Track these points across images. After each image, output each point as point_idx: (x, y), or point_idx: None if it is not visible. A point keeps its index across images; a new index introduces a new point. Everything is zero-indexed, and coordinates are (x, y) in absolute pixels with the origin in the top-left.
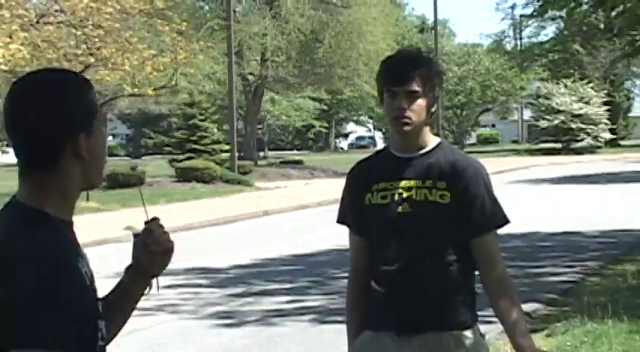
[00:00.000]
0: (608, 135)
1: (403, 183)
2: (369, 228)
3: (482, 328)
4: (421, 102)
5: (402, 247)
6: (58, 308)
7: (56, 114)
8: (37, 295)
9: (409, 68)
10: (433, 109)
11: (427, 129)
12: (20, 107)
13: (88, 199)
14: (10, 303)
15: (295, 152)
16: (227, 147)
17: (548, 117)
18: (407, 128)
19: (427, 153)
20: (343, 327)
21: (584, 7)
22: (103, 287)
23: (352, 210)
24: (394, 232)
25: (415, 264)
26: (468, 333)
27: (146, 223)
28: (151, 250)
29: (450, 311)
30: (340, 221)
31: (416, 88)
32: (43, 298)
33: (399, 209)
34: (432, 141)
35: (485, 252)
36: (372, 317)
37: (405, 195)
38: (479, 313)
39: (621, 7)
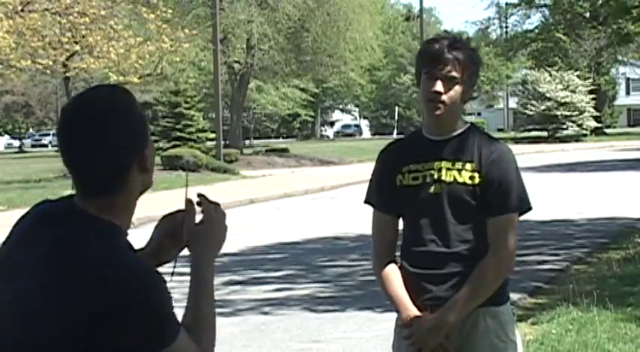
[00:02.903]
0: (593, 124)
1: (434, 165)
2: (395, 207)
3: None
4: (457, 88)
5: (435, 227)
6: (170, 307)
7: (127, 136)
8: (154, 301)
9: (451, 53)
10: (467, 96)
11: (459, 113)
12: (88, 134)
13: (73, 188)
14: (134, 311)
15: (281, 140)
16: (213, 135)
17: (534, 103)
18: (439, 112)
19: (458, 135)
20: (330, 315)
21: None
22: None
23: (379, 190)
24: (426, 213)
25: (448, 245)
26: (501, 309)
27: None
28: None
29: None
30: (366, 201)
31: (454, 73)
32: (158, 302)
33: (431, 190)
34: (462, 124)
35: (494, 234)
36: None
37: (435, 176)
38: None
39: None
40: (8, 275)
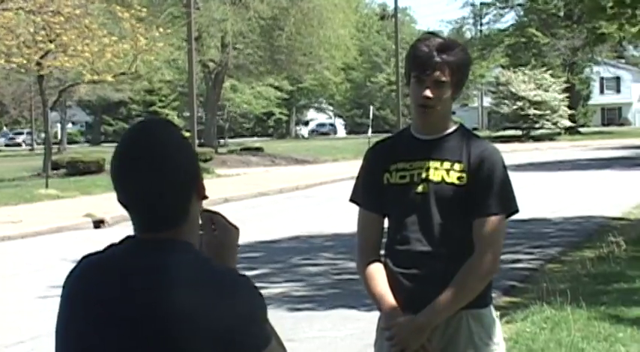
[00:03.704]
0: (567, 123)
1: (422, 164)
2: (381, 206)
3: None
4: (447, 91)
5: (421, 227)
6: (265, 310)
7: (189, 172)
8: (262, 305)
9: (440, 57)
10: (457, 95)
11: (449, 113)
12: (157, 177)
13: (47, 187)
14: (248, 317)
15: (256, 139)
16: (187, 134)
17: (507, 102)
18: (431, 118)
19: (447, 135)
20: (304, 314)
21: None
22: (55, 273)
23: (365, 188)
24: (413, 212)
25: (434, 244)
26: (485, 312)
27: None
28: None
29: None
30: (352, 199)
31: (443, 78)
32: (264, 305)
33: (418, 189)
34: (452, 124)
35: (481, 235)
36: None
37: (423, 175)
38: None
39: None
40: (97, 318)
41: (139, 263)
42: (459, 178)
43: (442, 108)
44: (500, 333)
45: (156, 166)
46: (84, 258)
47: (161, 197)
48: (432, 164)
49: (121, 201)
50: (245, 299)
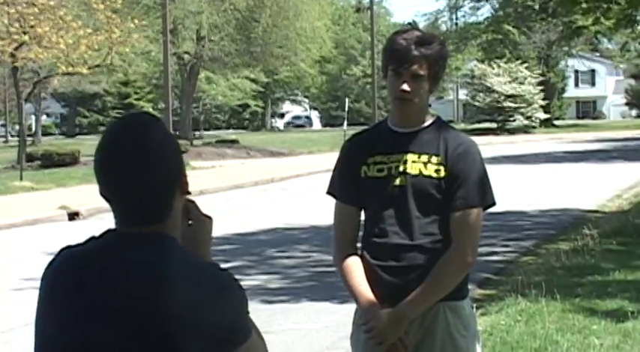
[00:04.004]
0: (542, 115)
1: (400, 157)
2: (358, 198)
3: None
4: (424, 84)
5: (398, 220)
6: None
7: (173, 167)
8: (245, 299)
9: (418, 50)
10: (434, 88)
11: (426, 106)
12: (143, 171)
13: (21, 179)
14: (233, 311)
15: (231, 131)
16: None
17: (482, 94)
18: (408, 111)
19: (424, 128)
20: (280, 307)
21: None
22: (29, 265)
23: (342, 180)
24: (390, 205)
25: (411, 237)
26: (462, 304)
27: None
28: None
29: None
30: (328, 192)
31: (421, 72)
32: (245, 299)
33: (396, 182)
34: (429, 117)
35: (458, 228)
36: None
37: (401, 168)
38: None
39: None
40: (82, 314)
41: (121, 256)
42: (436, 171)
43: (419, 102)
44: (477, 325)
45: (142, 160)
46: (63, 249)
47: (147, 191)
48: (410, 157)
49: (103, 194)
50: (229, 294)
